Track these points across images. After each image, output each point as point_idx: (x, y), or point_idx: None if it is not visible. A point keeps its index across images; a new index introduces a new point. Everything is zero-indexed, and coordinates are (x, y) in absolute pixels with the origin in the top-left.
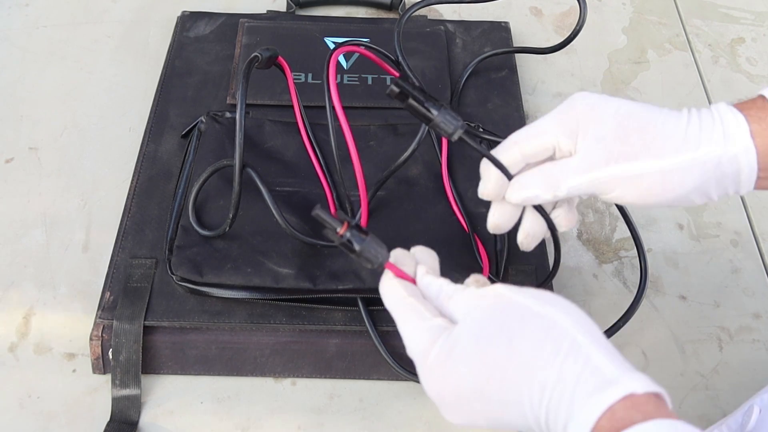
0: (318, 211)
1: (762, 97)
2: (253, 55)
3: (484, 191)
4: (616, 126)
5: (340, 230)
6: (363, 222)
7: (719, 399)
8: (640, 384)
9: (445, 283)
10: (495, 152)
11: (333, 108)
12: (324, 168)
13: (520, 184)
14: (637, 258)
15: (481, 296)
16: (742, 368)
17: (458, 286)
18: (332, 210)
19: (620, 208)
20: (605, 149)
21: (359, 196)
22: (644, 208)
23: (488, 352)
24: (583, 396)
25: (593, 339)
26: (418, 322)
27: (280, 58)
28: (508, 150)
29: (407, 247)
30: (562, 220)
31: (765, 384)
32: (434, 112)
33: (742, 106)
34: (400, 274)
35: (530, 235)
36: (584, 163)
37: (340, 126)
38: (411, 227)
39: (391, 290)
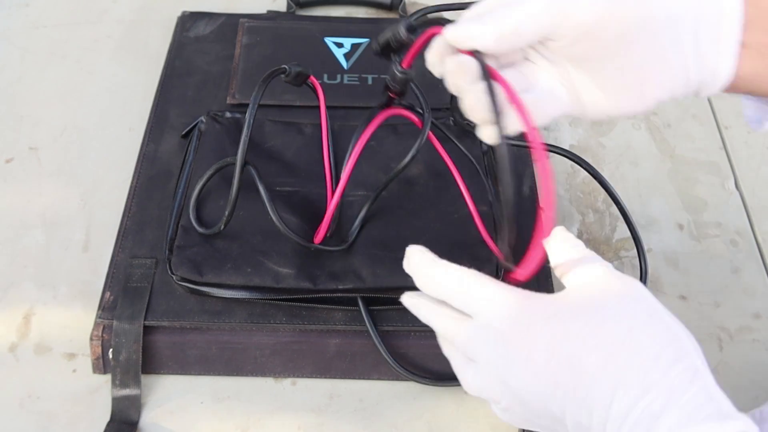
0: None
1: None
2: (281, 66)
3: (430, 53)
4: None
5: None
6: (323, 228)
7: None
8: (750, 427)
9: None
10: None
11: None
12: (333, 172)
13: (460, 21)
14: (637, 258)
15: (616, 278)
16: (742, 368)
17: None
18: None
19: (619, 207)
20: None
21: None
22: (605, 65)
23: (604, 327)
24: (697, 420)
25: (708, 369)
26: (498, 285)
27: (312, 78)
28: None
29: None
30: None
31: (765, 384)
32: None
33: None
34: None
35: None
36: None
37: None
38: (412, 226)
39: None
